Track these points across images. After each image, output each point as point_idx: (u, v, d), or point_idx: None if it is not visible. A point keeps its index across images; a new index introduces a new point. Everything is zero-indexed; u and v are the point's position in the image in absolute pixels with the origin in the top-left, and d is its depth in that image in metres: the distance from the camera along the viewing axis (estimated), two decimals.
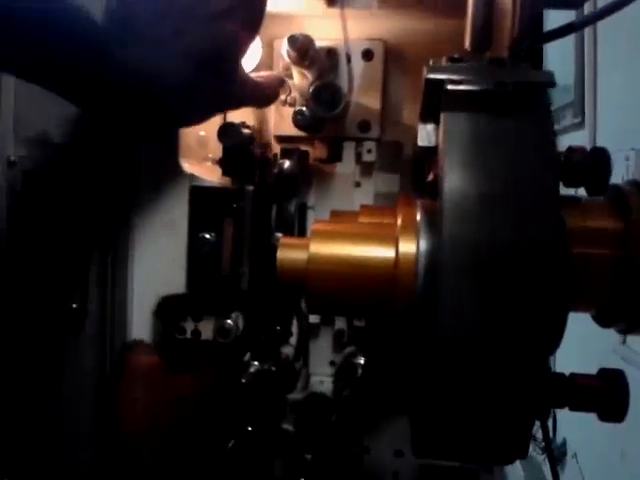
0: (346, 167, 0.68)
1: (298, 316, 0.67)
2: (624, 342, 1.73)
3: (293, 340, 0.68)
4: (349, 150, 0.67)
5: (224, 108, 0.54)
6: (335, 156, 0.67)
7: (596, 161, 0.45)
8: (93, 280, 0.54)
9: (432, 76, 0.42)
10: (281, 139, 0.67)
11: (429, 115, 0.46)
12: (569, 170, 0.45)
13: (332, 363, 0.70)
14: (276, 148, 0.67)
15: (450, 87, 0.41)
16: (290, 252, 0.48)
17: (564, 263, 0.44)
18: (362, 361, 0.67)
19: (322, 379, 0.69)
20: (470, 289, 0.41)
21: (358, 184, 0.68)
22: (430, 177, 0.46)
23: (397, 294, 0.46)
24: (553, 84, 0.42)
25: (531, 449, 2.50)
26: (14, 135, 0.53)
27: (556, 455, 2.08)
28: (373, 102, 0.66)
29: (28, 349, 0.54)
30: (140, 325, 0.57)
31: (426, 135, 0.46)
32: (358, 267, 0.46)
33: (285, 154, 0.62)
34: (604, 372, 0.47)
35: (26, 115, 0.53)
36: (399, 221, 0.47)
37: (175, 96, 0.43)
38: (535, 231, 0.41)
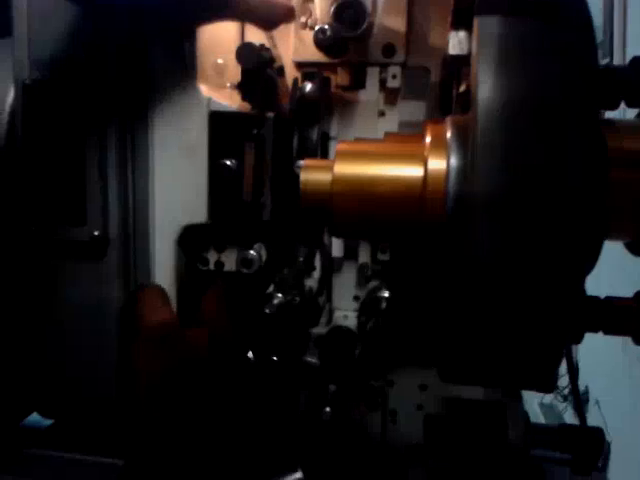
0: (370, 94, 0.65)
1: (321, 250, 0.66)
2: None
3: (316, 274, 0.67)
4: (373, 76, 0.64)
5: (225, 12, 0.51)
6: (358, 83, 0.64)
7: (636, 70, 0.42)
8: (114, 207, 0.53)
9: None
10: (301, 65, 0.65)
11: (461, 21, 0.43)
12: (609, 81, 0.43)
13: (356, 298, 0.69)
14: (294, 75, 0.65)
15: None
16: (314, 173, 0.47)
17: (603, 185, 0.42)
18: (386, 294, 0.66)
19: (346, 314, 0.69)
20: (505, 207, 0.39)
21: (382, 113, 0.65)
22: (462, 88, 0.43)
23: (426, 215, 0.44)
24: None
25: (552, 396, 2.51)
26: (28, 59, 0.52)
27: None
28: (398, 24, 0.63)
29: (50, 276, 0.54)
30: (163, 254, 0.56)
31: (458, 43, 0.43)
32: (385, 187, 0.44)
33: (306, 77, 0.60)
34: None
35: (41, 37, 0.52)
36: (427, 139, 0.45)
37: None
38: (575, 148, 0.39)
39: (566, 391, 2.41)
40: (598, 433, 0.53)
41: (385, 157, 0.45)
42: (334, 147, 0.65)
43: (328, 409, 0.62)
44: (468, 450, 0.58)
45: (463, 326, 0.43)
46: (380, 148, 0.47)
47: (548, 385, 0.44)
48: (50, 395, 0.59)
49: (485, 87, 0.38)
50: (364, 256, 0.67)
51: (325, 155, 0.66)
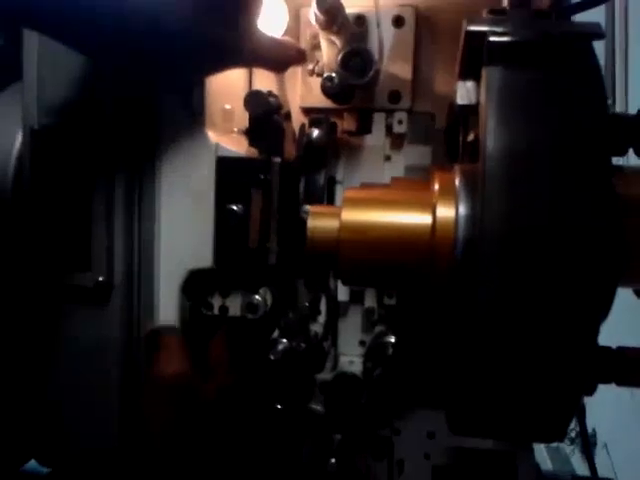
0: (376, 139, 0.65)
1: (326, 294, 0.66)
2: None
3: (321, 319, 0.66)
4: (379, 122, 0.65)
5: (237, 61, 0.52)
6: (364, 128, 0.65)
7: None
8: (119, 253, 0.53)
9: (473, 28, 0.40)
10: (308, 111, 0.65)
11: (469, 72, 0.43)
12: (617, 129, 0.43)
13: (362, 343, 0.68)
14: (300, 121, 0.65)
15: (493, 39, 0.38)
16: (321, 220, 0.46)
17: (617, 231, 0.42)
18: (393, 340, 0.65)
19: (352, 359, 0.67)
20: (514, 256, 0.39)
21: (388, 157, 0.66)
22: (470, 137, 0.43)
23: (435, 262, 0.43)
24: (602, 35, 0.40)
25: None
26: (37, 104, 0.52)
27: None
28: (404, 71, 0.63)
29: (54, 321, 0.53)
30: (167, 299, 0.55)
31: (466, 93, 0.43)
32: (393, 234, 0.44)
33: (313, 123, 0.60)
34: None
35: (50, 83, 0.52)
36: (436, 186, 0.44)
37: (184, 36, 0.43)
38: (586, 199, 0.39)
39: (573, 433, 2.37)
40: None
41: (393, 204, 0.45)
42: (340, 191, 0.66)
43: (333, 460, 0.60)
44: None
45: (473, 377, 0.42)
46: (388, 195, 0.47)
47: (561, 436, 0.43)
48: (48, 442, 0.58)
49: (493, 137, 0.38)
50: (370, 300, 0.66)
51: (331, 199, 0.66)
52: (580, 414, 0.77)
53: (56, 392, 0.55)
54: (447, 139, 0.58)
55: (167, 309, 0.55)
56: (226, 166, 0.55)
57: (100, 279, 0.52)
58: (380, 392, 0.64)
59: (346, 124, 0.65)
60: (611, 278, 0.41)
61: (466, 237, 0.42)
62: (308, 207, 0.57)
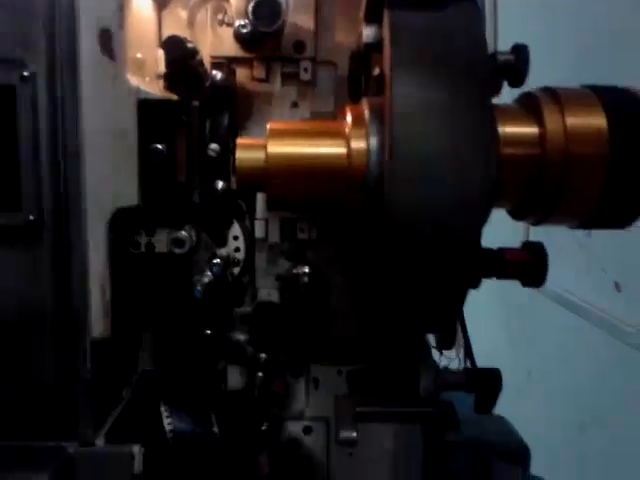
0: (282, 87, 0.70)
1: (244, 231, 0.71)
2: None
3: (240, 255, 0.71)
4: (285, 70, 0.70)
5: None
6: (271, 76, 0.70)
7: (518, 54, 0.51)
8: (47, 192, 0.54)
9: None
10: (217, 60, 0.69)
11: (372, 16, 0.50)
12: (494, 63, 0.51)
13: (278, 277, 0.74)
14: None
15: None
16: (248, 152, 0.51)
17: (495, 163, 0.50)
18: (307, 270, 0.71)
19: (269, 291, 0.73)
20: (418, 176, 0.46)
21: (295, 104, 0.71)
22: (376, 72, 0.50)
23: (351, 187, 0.50)
24: None
25: None
26: None
27: None
28: (307, 22, 0.69)
29: None
30: (96, 238, 0.57)
31: (371, 33, 0.50)
32: (314, 162, 0.50)
33: (215, 67, 0.64)
34: (527, 245, 0.55)
35: None
36: (348, 118, 0.51)
37: None
38: (472, 136, 0.47)
39: None
40: (496, 372, 0.62)
41: (312, 135, 0.51)
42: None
43: (260, 374, 0.66)
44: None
45: (387, 281, 0.49)
46: (307, 126, 0.53)
47: (453, 323, 0.52)
48: None
49: (397, 70, 0.45)
50: (274, 236, 0.72)
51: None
52: (465, 331, 0.88)
53: None
54: (350, 83, 0.65)
55: (96, 247, 0.58)
56: (148, 108, 0.58)
57: (31, 218, 0.53)
58: (297, 317, 0.71)
59: (255, 72, 0.69)
60: (489, 198, 0.50)
61: (377, 165, 0.49)
62: (214, 146, 0.61)
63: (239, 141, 0.52)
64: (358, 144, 0.50)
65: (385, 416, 0.59)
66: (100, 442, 0.60)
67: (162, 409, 0.62)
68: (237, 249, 0.71)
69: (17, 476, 0.56)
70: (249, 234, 0.71)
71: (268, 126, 0.52)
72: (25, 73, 0.53)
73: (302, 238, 0.71)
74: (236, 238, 0.70)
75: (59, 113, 0.55)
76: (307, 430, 0.75)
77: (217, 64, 0.65)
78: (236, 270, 0.70)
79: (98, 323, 0.59)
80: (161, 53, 0.65)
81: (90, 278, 0.58)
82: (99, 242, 0.58)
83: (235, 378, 0.72)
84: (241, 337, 0.72)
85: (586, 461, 1.41)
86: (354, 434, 0.58)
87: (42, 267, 0.55)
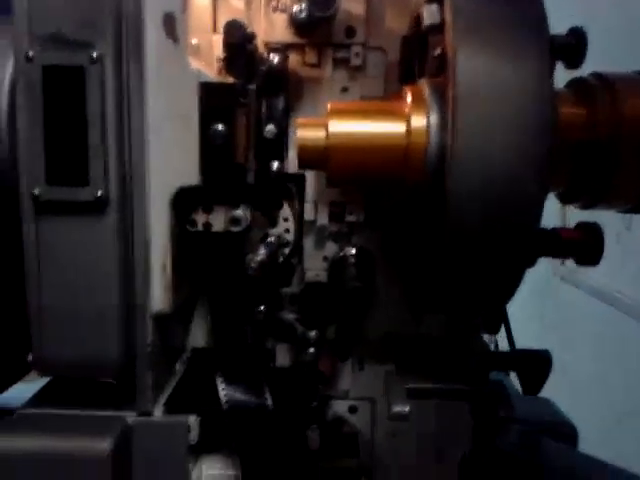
0: (334, 72, 0.72)
1: (294, 214, 0.72)
2: (562, 263, 1.89)
3: (289, 237, 0.73)
4: (336, 55, 0.71)
5: None
6: (323, 61, 0.71)
7: (575, 36, 0.51)
8: (113, 171, 0.56)
9: None
10: (271, 45, 0.71)
11: None
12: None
13: (325, 258, 0.75)
14: None
15: None
16: (309, 130, 0.53)
17: (553, 149, 0.51)
18: (354, 252, 0.73)
19: (317, 272, 0.75)
20: (482, 157, 0.47)
21: (345, 89, 0.73)
22: (437, 52, 0.51)
23: (410, 165, 0.51)
24: None
25: None
26: (29, 32, 0.54)
27: None
28: (358, 8, 0.70)
29: (51, 236, 0.57)
30: (158, 216, 0.60)
31: (431, 14, 0.51)
32: (374, 141, 0.52)
33: (272, 51, 0.66)
34: (582, 225, 0.55)
35: (40, 13, 0.54)
36: (408, 98, 0.52)
37: None
38: (535, 114, 0.47)
39: None
40: (546, 354, 0.62)
41: (372, 113, 0.52)
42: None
43: (312, 350, 0.68)
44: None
45: (445, 260, 0.50)
46: (366, 106, 0.54)
47: (511, 295, 0.52)
48: (47, 352, 0.61)
49: (462, 50, 0.46)
50: (323, 218, 0.73)
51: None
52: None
53: (55, 301, 0.58)
54: (402, 69, 0.66)
55: (158, 224, 0.60)
56: (209, 90, 0.60)
57: (98, 194, 0.55)
58: (347, 299, 0.72)
59: (307, 58, 0.71)
60: (544, 187, 0.50)
61: (438, 143, 0.50)
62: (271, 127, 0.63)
63: (300, 120, 0.54)
64: (418, 122, 0.51)
65: (436, 393, 0.61)
66: (158, 412, 0.63)
67: (218, 380, 0.64)
68: (287, 230, 0.73)
69: (80, 443, 0.59)
70: (298, 216, 0.72)
71: (329, 105, 0.53)
72: (94, 55, 0.56)
73: (350, 220, 0.73)
74: (286, 220, 0.72)
75: (125, 95, 0.57)
76: (352, 409, 0.76)
77: (274, 49, 0.67)
78: (286, 251, 0.72)
79: (159, 299, 0.61)
80: (216, 38, 0.68)
81: (152, 255, 0.60)
82: (161, 219, 0.60)
83: (283, 356, 0.74)
84: (290, 316, 0.74)
85: (624, 454, 1.40)
86: (406, 409, 0.59)
87: (106, 242, 0.58)
